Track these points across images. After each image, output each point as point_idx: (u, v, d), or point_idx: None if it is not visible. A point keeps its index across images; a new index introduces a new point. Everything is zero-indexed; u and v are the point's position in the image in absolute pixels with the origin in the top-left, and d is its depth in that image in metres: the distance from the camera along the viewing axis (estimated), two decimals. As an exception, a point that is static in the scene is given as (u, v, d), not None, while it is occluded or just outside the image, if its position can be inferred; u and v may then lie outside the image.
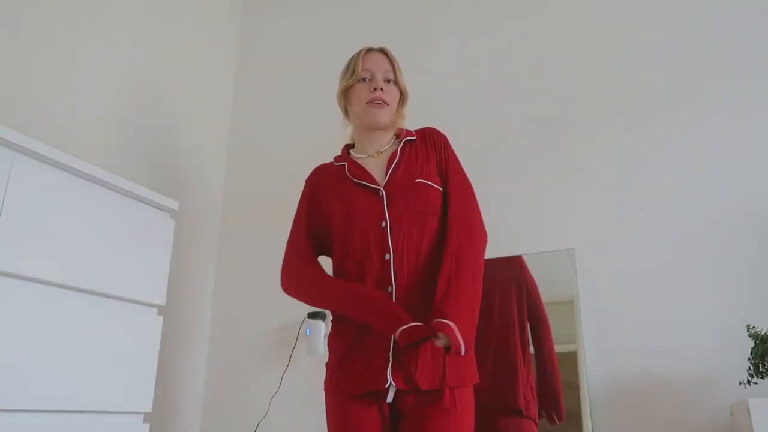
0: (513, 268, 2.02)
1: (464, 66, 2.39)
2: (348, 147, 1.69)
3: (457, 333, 1.27)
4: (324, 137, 2.54)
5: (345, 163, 1.60)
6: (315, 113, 2.63)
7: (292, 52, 2.82)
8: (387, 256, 1.42)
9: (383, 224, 1.45)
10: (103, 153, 2.10)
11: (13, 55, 1.88)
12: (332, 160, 1.67)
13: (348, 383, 1.40)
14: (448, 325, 1.28)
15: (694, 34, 2.06)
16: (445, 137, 1.63)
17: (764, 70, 1.94)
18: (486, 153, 2.20)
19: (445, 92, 2.36)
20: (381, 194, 1.49)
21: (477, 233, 1.49)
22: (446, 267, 1.39)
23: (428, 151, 1.58)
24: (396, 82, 1.62)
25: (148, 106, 2.38)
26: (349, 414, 1.39)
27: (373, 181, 1.52)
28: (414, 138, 1.62)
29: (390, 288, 1.40)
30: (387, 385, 1.35)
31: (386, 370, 1.35)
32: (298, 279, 1.56)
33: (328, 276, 1.52)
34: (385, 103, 1.57)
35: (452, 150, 1.61)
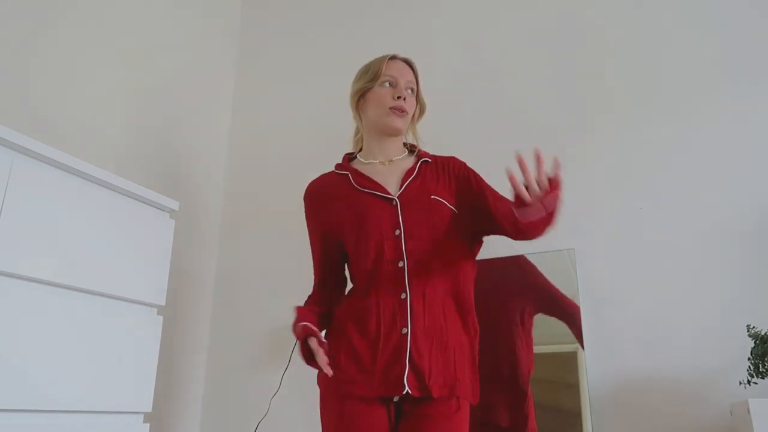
0: (516, 269, 2.01)
1: (462, 67, 2.39)
2: (348, 156, 1.67)
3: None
4: (324, 137, 2.55)
5: (347, 172, 1.58)
6: (315, 113, 2.63)
7: (292, 53, 2.82)
8: (401, 264, 1.43)
9: (397, 233, 1.45)
10: (103, 153, 2.10)
11: (13, 55, 1.88)
12: (333, 168, 1.65)
13: (361, 387, 1.38)
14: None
15: (694, 35, 2.06)
16: (463, 163, 1.62)
17: (766, 70, 1.94)
18: (485, 153, 2.19)
19: (443, 93, 2.36)
20: (394, 203, 1.48)
21: None
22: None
23: (445, 176, 1.57)
24: (416, 95, 1.62)
25: (148, 106, 2.38)
26: (355, 414, 1.38)
27: (383, 190, 1.51)
28: (429, 161, 1.61)
29: (404, 295, 1.41)
30: (404, 392, 1.34)
31: (403, 377, 1.35)
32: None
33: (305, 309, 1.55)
34: (405, 112, 1.57)
35: (473, 172, 1.61)
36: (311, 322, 1.44)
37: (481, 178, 1.58)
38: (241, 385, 2.39)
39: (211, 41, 2.79)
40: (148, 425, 1.69)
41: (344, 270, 1.63)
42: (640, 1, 2.18)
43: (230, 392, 2.41)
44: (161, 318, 1.80)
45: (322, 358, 1.33)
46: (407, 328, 1.38)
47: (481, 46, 2.39)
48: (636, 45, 2.13)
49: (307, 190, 1.65)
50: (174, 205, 1.89)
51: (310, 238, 1.63)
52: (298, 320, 1.46)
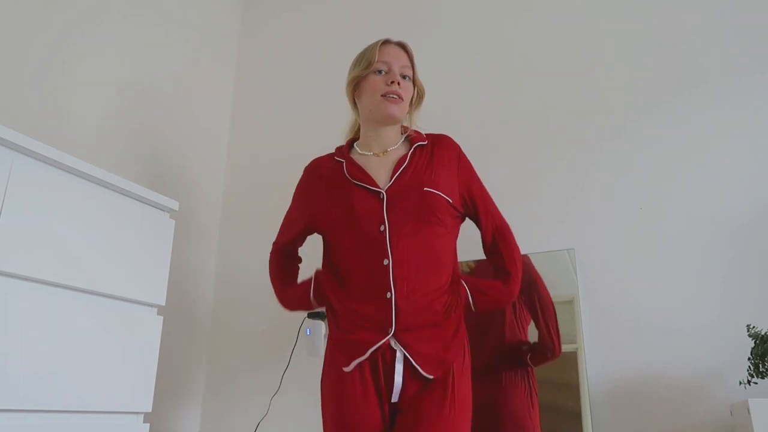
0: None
1: (464, 67, 2.39)
2: (351, 141, 1.65)
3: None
4: (324, 137, 2.54)
5: (343, 161, 1.56)
6: (315, 113, 2.63)
7: (291, 52, 2.82)
8: (386, 262, 1.40)
9: (381, 228, 1.42)
10: (103, 153, 2.10)
11: (15, 55, 1.88)
12: (334, 150, 1.64)
13: (353, 350, 1.40)
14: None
15: (694, 36, 2.06)
16: (458, 147, 1.59)
17: (765, 70, 1.94)
18: (485, 153, 2.19)
19: (444, 93, 2.36)
20: (381, 197, 1.45)
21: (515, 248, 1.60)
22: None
23: (441, 160, 1.53)
24: (413, 80, 1.57)
25: (148, 106, 2.38)
26: (348, 410, 1.38)
27: (372, 183, 1.48)
28: (425, 143, 1.57)
29: (389, 294, 1.38)
30: (390, 333, 1.37)
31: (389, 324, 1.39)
32: (273, 279, 1.69)
33: (288, 283, 1.65)
34: (400, 98, 1.51)
35: (467, 159, 1.59)
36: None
37: (475, 179, 1.59)
38: (241, 385, 2.39)
39: (211, 41, 2.79)
40: (148, 425, 1.68)
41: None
42: (640, 4, 2.18)
43: (230, 392, 2.41)
44: (161, 318, 1.80)
45: None
46: (392, 327, 1.38)
47: (482, 47, 2.39)
48: (635, 46, 2.13)
49: (310, 164, 1.67)
50: (174, 205, 1.89)
51: (293, 208, 1.68)
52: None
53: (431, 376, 1.36)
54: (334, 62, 2.66)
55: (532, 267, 1.96)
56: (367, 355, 1.38)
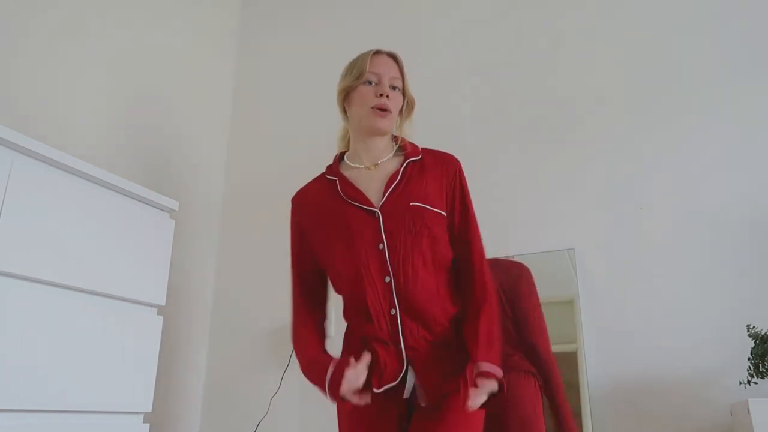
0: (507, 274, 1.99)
1: (465, 66, 2.39)
2: (340, 155, 1.63)
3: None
4: (323, 137, 2.55)
5: (336, 178, 1.54)
6: (314, 113, 2.63)
7: (291, 52, 2.82)
8: (387, 279, 1.40)
9: (380, 246, 1.42)
10: (103, 153, 2.10)
11: (15, 56, 1.88)
12: (324, 169, 1.61)
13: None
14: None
15: (694, 37, 2.06)
16: (458, 164, 1.55)
17: (764, 71, 1.94)
18: (486, 153, 2.20)
19: (445, 93, 2.36)
20: (377, 216, 1.44)
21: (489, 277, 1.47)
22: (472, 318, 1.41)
23: (434, 173, 1.51)
24: (402, 91, 1.55)
25: (148, 106, 2.38)
26: (367, 409, 1.36)
27: (367, 202, 1.46)
28: (419, 158, 1.54)
29: (394, 311, 1.38)
30: (401, 377, 1.35)
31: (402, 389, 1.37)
32: (293, 339, 1.64)
33: (305, 337, 1.59)
34: (388, 110, 1.50)
35: (464, 179, 1.54)
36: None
37: (467, 201, 1.52)
38: (241, 385, 2.39)
39: (211, 42, 2.80)
40: (148, 425, 1.69)
41: (324, 282, 1.60)
42: (640, 3, 2.18)
43: (230, 392, 2.41)
44: (161, 318, 1.80)
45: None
46: (401, 344, 1.37)
47: (480, 44, 2.40)
48: (635, 45, 2.13)
49: (295, 197, 1.61)
50: (174, 205, 1.89)
51: (291, 241, 1.59)
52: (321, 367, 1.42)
53: (423, 404, 1.36)
54: (334, 63, 2.66)
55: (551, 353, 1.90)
56: (397, 382, 1.38)
